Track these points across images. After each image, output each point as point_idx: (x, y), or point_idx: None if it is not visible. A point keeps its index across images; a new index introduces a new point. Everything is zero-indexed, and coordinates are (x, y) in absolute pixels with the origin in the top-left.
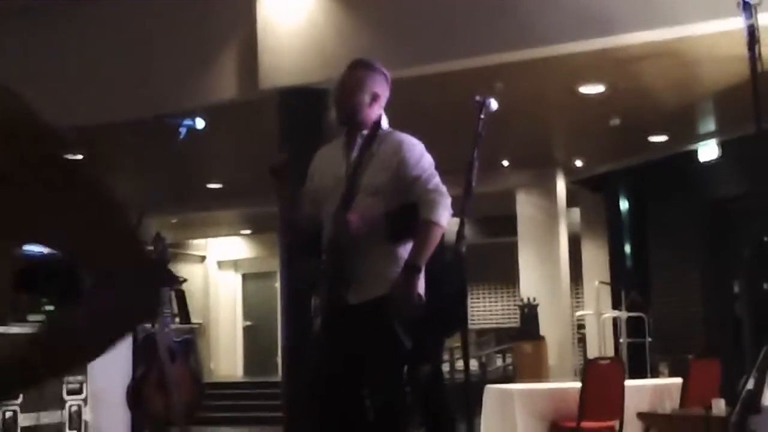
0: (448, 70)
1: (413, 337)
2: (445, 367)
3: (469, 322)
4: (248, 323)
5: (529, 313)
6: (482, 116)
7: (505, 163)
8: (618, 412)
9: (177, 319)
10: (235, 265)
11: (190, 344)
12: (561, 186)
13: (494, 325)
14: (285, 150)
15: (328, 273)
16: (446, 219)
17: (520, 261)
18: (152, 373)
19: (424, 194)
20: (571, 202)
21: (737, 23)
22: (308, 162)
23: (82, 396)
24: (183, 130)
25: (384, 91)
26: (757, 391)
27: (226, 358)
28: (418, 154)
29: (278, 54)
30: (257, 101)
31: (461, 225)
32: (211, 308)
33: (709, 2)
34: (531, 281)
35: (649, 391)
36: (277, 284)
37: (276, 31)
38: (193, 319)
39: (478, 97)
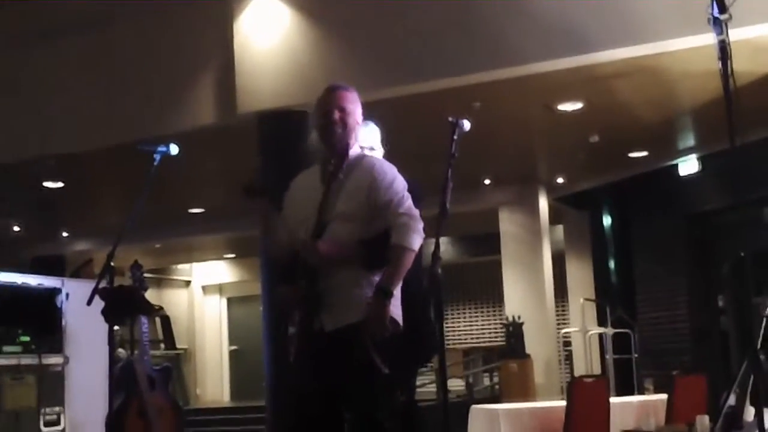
0: (425, 91)
1: (390, 363)
2: (431, 388)
3: (455, 341)
4: (234, 347)
5: (515, 331)
6: (455, 137)
7: (487, 181)
8: (604, 429)
9: (162, 345)
10: (219, 289)
11: (170, 372)
12: (543, 203)
13: (480, 344)
14: (258, 175)
15: (302, 300)
16: (417, 243)
17: (504, 279)
18: (132, 402)
19: (395, 218)
20: (554, 219)
21: (709, 39)
22: (287, 186)
23: (60, 427)
24: (157, 157)
25: (360, 113)
26: (739, 407)
27: (213, 383)
28: (390, 178)
29: (256, 78)
30: (236, 125)
31: (436, 246)
32: (196, 333)
33: (682, 18)
34: (516, 299)
35: (635, 408)
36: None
37: (253, 55)
38: (179, 345)
39: (450, 118)
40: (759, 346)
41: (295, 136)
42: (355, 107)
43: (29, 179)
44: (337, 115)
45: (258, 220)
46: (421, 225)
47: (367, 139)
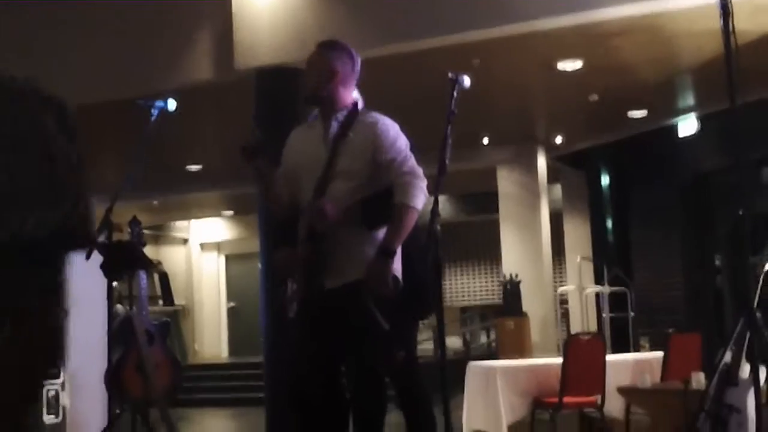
0: (425, 48)
1: (390, 319)
2: (428, 345)
3: (453, 299)
4: (232, 304)
5: (512, 289)
6: (455, 94)
7: (486, 140)
8: (599, 387)
9: (161, 302)
10: (217, 246)
11: (168, 327)
12: (542, 162)
13: (478, 302)
14: (256, 129)
15: (305, 260)
16: (421, 202)
17: (501, 238)
18: (130, 356)
19: (399, 177)
20: (552, 178)
21: None
22: (283, 141)
23: (59, 380)
24: (155, 112)
25: (345, 69)
26: (734, 364)
27: (211, 340)
28: (393, 136)
29: (254, 34)
30: (234, 81)
31: (435, 203)
32: (194, 290)
33: None
34: (513, 258)
35: (631, 365)
36: (259, 265)
37: (251, 11)
38: (177, 301)
39: (450, 74)
40: (755, 304)
41: (293, 92)
42: (343, 64)
43: None
44: (321, 66)
45: (256, 180)
46: (424, 183)
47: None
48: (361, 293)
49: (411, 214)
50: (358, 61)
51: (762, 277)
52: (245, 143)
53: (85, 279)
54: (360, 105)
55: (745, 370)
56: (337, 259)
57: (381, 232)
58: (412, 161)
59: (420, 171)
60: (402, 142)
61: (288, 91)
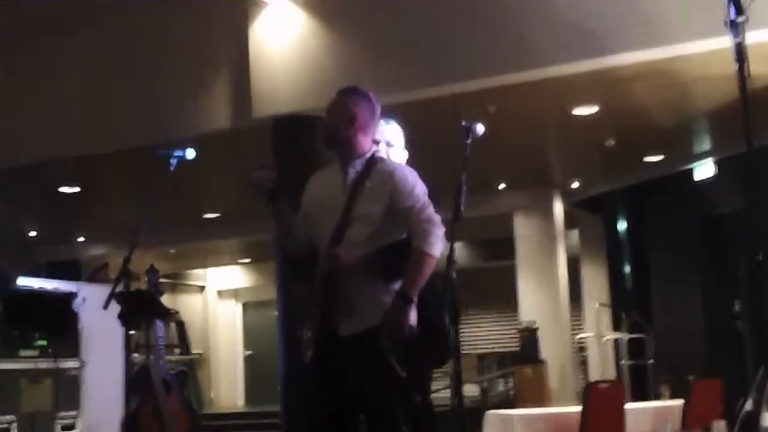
0: (441, 95)
1: (407, 367)
2: (445, 393)
3: (470, 346)
4: (249, 352)
5: (529, 336)
6: (468, 141)
7: (502, 185)
8: None
9: (177, 350)
10: (235, 294)
11: (185, 376)
12: (558, 207)
13: (495, 350)
14: (272, 171)
15: (319, 304)
16: (439, 249)
17: (519, 284)
18: (147, 405)
19: (417, 224)
20: (569, 223)
21: (726, 42)
22: (302, 188)
23: (76, 431)
24: (174, 161)
25: (365, 115)
26: (756, 412)
27: (227, 388)
28: (411, 183)
29: (271, 82)
30: (251, 129)
31: (451, 250)
32: (211, 338)
33: (699, 21)
34: (530, 304)
35: (651, 413)
36: (276, 312)
37: (268, 59)
38: (194, 349)
39: (464, 122)
40: None
41: (310, 140)
42: (360, 111)
43: (45, 183)
44: (341, 110)
45: (276, 222)
46: (442, 231)
47: (388, 136)
48: (378, 340)
49: (429, 261)
50: (378, 108)
51: None
52: (254, 173)
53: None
54: (381, 153)
55: (767, 418)
56: (354, 305)
57: (397, 282)
58: (430, 209)
59: (438, 218)
60: (420, 189)
61: (305, 139)
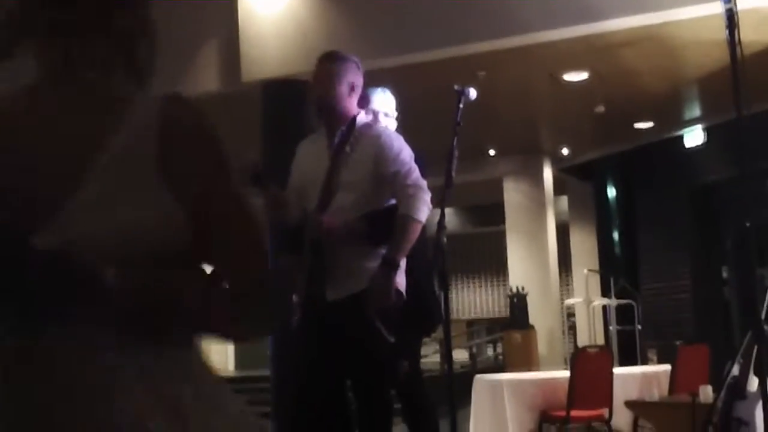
0: (431, 60)
1: (394, 332)
2: (435, 359)
3: (459, 312)
4: None
5: (519, 302)
6: (461, 105)
7: (492, 151)
8: (607, 400)
9: None
10: None
11: None
12: (548, 174)
13: (484, 315)
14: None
15: (306, 270)
16: (425, 214)
17: (508, 250)
18: None
19: (403, 189)
20: (558, 190)
21: (717, 8)
22: (290, 155)
23: None
24: None
25: (359, 81)
26: (743, 378)
27: (217, 352)
28: (396, 148)
29: (260, 46)
30: (240, 93)
31: (441, 216)
32: None
33: None
34: (520, 270)
35: (638, 378)
36: None
37: (258, 23)
38: None
39: (456, 87)
40: (763, 317)
41: (299, 104)
42: (349, 77)
43: None
44: (341, 81)
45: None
46: (428, 196)
47: (383, 105)
48: (364, 306)
49: (415, 226)
50: (362, 73)
51: None
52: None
53: None
54: (362, 117)
55: (754, 383)
56: (340, 271)
57: (384, 248)
58: (416, 174)
59: (424, 183)
60: (406, 154)
61: (294, 103)
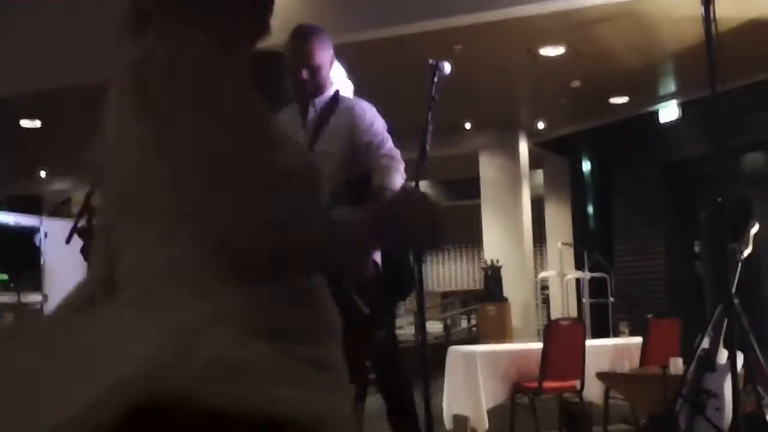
0: (407, 33)
1: (369, 303)
2: (409, 330)
3: (434, 284)
4: None
5: (493, 275)
6: (435, 80)
7: (468, 125)
8: (579, 372)
9: None
10: None
11: None
12: (524, 148)
13: (459, 288)
14: None
15: None
16: (399, 184)
17: (483, 223)
18: None
19: (377, 160)
20: (534, 164)
21: None
22: None
23: None
24: None
25: (328, 55)
26: (712, 350)
27: None
28: (370, 119)
29: None
30: None
31: (416, 189)
32: None
33: None
34: (494, 243)
35: (610, 351)
36: None
37: None
38: None
39: (431, 61)
40: (734, 291)
41: (274, 75)
42: (325, 54)
43: (6, 117)
44: (306, 74)
45: None
46: (402, 166)
47: (338, 72)
48: (340, 277)
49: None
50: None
51: (740, 263)
52: None
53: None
54: (332, 89)
55: (723, 355)
56: None
57: None
58: (389, 144)
59: (398, 153)
60: (379, 124)
61: (269, 75)
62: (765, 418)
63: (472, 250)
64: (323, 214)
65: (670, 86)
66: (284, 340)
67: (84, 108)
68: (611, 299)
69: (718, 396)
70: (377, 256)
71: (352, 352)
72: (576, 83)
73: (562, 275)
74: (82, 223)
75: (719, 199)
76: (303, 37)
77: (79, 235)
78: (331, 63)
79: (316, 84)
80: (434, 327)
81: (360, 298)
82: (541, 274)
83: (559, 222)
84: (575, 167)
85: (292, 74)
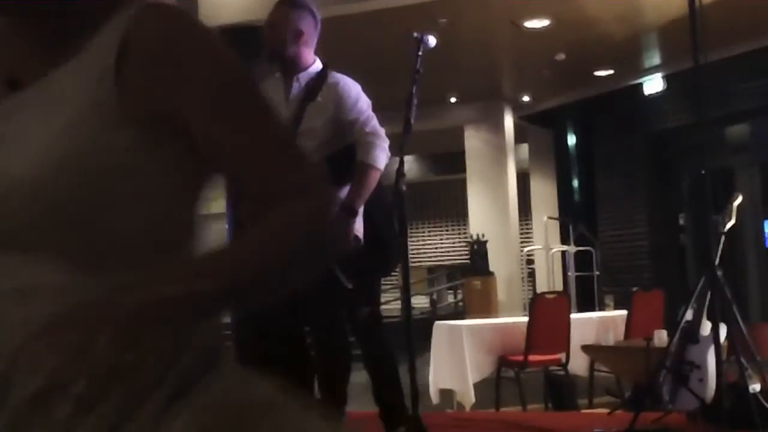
0: (390, 6)
1: (352, 278)
2: (395, 305)
3: (419, 259)
4: None
5: (479, 249)
6: (420, 53)
7: (453, 99)
8: (564, 345)
9: None
10: None
11: None
12: (509, 121)
13: (445, 262)
14: None
15: None
16: (383, 162)
17: (469, 197)
18: None
19: (361, 137)
20: (519, 137)
21: None
22: None
23: None
24: None
25: (309, 29)
26: (696, 322)
27: None
28: (354, 96)
29: None
30: None
31: (401, 163)
32: None
33: None
34: (480, 217)
35: (595, 323)
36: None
37: None
38: None
39: (415, 34)
40: (717, 263)
41: (257, 51)
42: (300, 24)
43: None
44: (287, 26)
45: None
46: (386, 144)
47: None
48: None
49: (373, 173)
50: (319, 19)
51: (723, 235)
52: None
53: None
54: (318, 65)
55: (706, 327)
56: None
57: (343, 192)
58: (373, 121)
59: (382, 131)
60: (363, 102)
61: (252, 50)
62: (748, 389)
63: (458, 224)
64: None
65: (655, 58)
66: None
67: None
68: (596, 272)
69: (701, 367)
70: (359, 232)
71: (335, 326)
72: (561, 56)
73: (548, 249)
74: None
75: (702, 171)
76: (285, 4)
77: None
78: (315, 37)
79: (288, 55)
80: (421, 302)
81: (343, 273)
82: (527, 248)
83: (544, 195)
84: (560, 140)
85: (275, 43)
